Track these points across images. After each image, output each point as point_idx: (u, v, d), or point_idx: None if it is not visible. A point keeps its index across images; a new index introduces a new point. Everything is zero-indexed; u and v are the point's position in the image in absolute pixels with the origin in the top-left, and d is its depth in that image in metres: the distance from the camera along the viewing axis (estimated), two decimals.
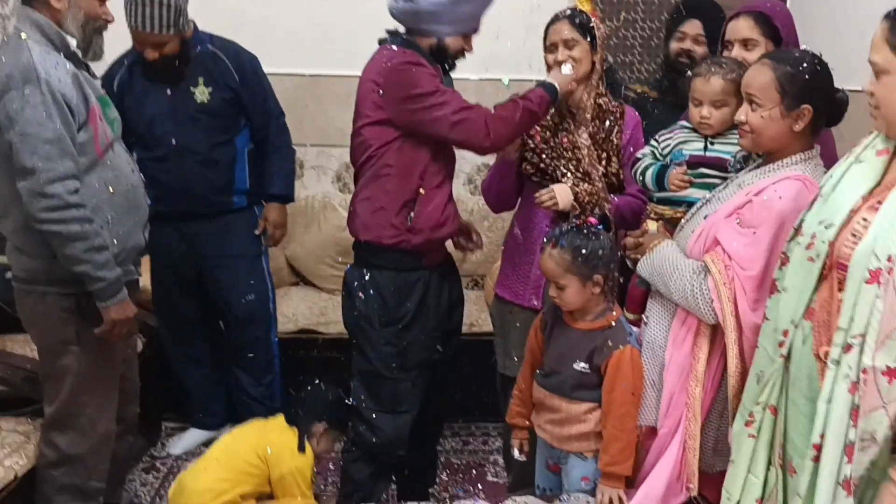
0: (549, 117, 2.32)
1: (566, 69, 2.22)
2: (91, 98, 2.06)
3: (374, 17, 3.50)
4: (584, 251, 1.92)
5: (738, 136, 1.98)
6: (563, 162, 2.30)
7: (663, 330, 1.91)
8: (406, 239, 2.20)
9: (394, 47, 2.22)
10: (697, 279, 1.79)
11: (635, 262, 2.02)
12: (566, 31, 2.27)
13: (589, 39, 2.27)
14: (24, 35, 1.98)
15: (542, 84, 2.21)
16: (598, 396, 1.96)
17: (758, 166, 1.86)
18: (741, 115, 1.80)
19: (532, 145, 2.33)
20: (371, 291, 2.24)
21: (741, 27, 2.20)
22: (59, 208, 1.94)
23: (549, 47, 2.32)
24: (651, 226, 2.04)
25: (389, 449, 2.31)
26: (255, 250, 2.92)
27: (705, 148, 2.04)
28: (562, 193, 2.22)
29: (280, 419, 2.46)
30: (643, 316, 2.00)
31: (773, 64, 1.75)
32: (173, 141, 2.67)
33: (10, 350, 2.66)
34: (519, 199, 2.47)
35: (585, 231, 1.97)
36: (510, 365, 2.40)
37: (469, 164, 3.77)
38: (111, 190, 2.09)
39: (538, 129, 2.32)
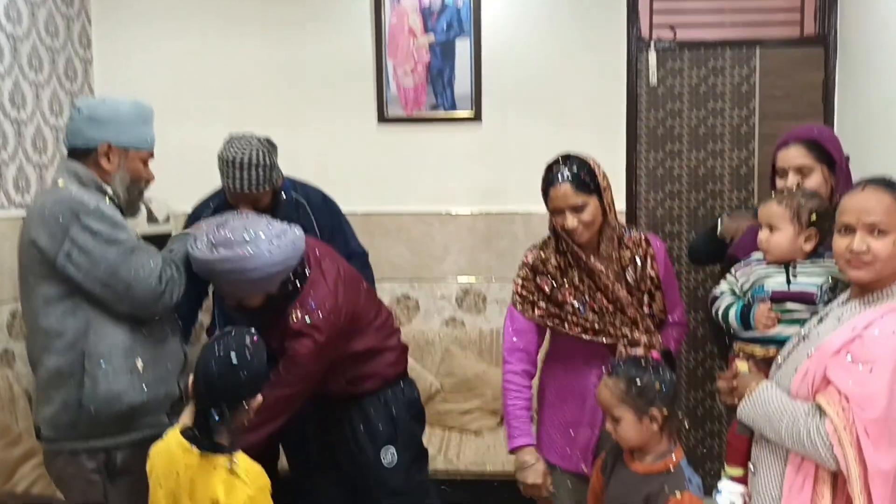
0: (582, 278, 2.21)
1: None
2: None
3: (419, 159, 3.73)
4: (638, 382, 1.88)
5: (818, 266, 1.94)
6: (606, 319, 2.19)
7: (776, 478, 1.77)
8: None
9: None
10: (813, 423, 1.66)
11: (728, 406, 1.91)
12: (571, 196, 2.13)
13: (595, 189, 2.14)
14: (61, 182, 2.06)
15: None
16: None
17: (850, 298, 1.78)
18: (861, 245, 1.68)
19: (571, 311, 2.20)
20: None
21: (792, 156, 2.24)
22: (169, 282, 2.09)
23: (555, 211, 2.18)
24: (741, 366, 1.90)
25: None
26: None
27: (788, 282, 1.97)
28: None
29: (195, 461, 1.83)
30: (749, 465, 1.86)
31: (886, 189, 1.69)
32: None
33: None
34: (545, 352, 2.37)
35: (643, 363, 1.93)
36: None
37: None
38: (144, 332, 2.11)
39: (571, 291, 2.21)
